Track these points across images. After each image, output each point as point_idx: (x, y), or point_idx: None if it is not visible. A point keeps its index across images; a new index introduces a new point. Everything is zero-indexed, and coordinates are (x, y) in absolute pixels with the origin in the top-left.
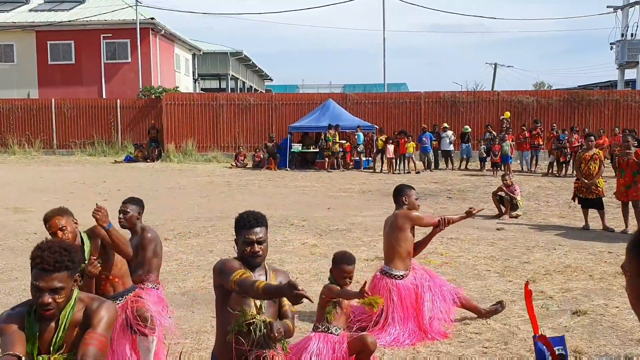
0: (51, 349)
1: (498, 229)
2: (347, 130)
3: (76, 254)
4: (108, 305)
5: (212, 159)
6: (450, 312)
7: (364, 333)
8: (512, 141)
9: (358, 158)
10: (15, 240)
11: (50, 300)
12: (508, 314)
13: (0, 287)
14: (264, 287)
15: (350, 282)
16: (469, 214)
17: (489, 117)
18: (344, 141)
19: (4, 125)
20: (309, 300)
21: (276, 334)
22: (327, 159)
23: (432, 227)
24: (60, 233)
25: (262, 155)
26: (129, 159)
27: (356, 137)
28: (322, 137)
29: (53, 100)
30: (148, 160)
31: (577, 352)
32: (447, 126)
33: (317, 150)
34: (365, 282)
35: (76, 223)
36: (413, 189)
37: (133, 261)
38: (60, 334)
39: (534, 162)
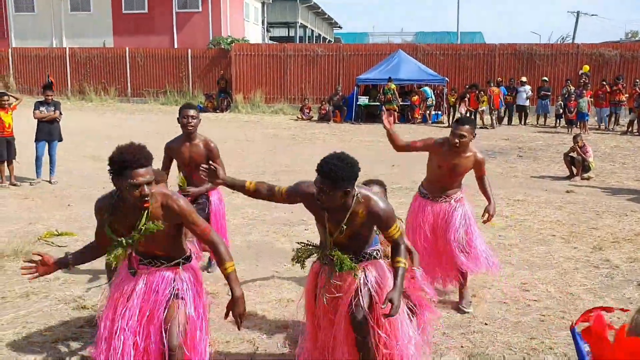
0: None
1: (568, 192)
2: (416, 83)
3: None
4: (181, 201)
5: (278, 111)
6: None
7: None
8: (590, 97)
9: (427, 112)
10: (93, 188)
11: (148, 191)
12: (570, 282)
13: (80, 234)
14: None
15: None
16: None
17: (568, 72)
18: (414, 95)
19: (81, 74)
20: None
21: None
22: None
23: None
24: None
25: (327, 108)
26: (199, 109)
27: (420, 91)
28: (380, 90)
29: (127, 49)
30: (217, 111)
31: None
32: (525, 80)
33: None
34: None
35: None
36: None
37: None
38: (143, 218)
39: (612, 119)
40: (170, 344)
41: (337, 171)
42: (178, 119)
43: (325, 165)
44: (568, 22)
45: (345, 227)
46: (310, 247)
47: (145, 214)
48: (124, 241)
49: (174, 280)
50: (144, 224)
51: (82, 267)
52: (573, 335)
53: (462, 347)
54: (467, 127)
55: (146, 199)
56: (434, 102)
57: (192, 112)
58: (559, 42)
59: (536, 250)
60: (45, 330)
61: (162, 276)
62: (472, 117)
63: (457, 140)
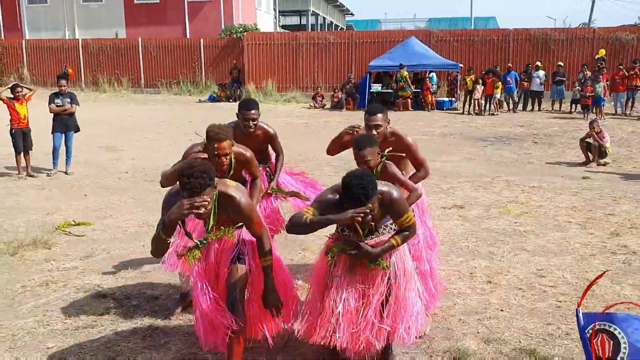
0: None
1: (584, 178)
2: (431, 70)
3: (213, 172)
4: (243, 199)
5: (291, 99)
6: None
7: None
8: (607, 82)
9: (441, 99)
10: (109, 179)
11: (203, 210)
12: (587, 268)
13: (97, 223)
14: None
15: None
16: None
17: (584, 56)
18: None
19: (94, 64)
20: None
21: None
22: (401, 100)
23: None
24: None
25: (340, 96)
26: (212, 99)
27: (429, 77)
28: (393, 77)
29: (140, 39)
30: (231, 100)
31: None
32: (540, 65)
33: (392, 91)
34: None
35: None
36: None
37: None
38: (212, 222)
39: (629, 104)
40: (228, 298)
41: (368, 190)
42: (237, 115)
43: (355, 191)
44: (583, 5)
45: (373, 224)
46: (347, 242)
47: (212, 214)
48: (199, 243)
49: (237, 244)
50: (213, 225)
51: (100, 255)
52: (577, 316)
53: (478, 333)
54: (380, 115)
55: (198, 211)
56: (438, 88)
57: (253, 113)
58: (585, 24)
59: (552, 236)
60: (65, 318)
61: (228, 240)
62: (488, 102)
63: (374, 132)
